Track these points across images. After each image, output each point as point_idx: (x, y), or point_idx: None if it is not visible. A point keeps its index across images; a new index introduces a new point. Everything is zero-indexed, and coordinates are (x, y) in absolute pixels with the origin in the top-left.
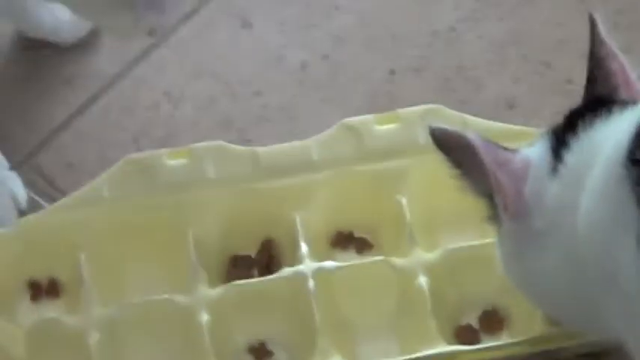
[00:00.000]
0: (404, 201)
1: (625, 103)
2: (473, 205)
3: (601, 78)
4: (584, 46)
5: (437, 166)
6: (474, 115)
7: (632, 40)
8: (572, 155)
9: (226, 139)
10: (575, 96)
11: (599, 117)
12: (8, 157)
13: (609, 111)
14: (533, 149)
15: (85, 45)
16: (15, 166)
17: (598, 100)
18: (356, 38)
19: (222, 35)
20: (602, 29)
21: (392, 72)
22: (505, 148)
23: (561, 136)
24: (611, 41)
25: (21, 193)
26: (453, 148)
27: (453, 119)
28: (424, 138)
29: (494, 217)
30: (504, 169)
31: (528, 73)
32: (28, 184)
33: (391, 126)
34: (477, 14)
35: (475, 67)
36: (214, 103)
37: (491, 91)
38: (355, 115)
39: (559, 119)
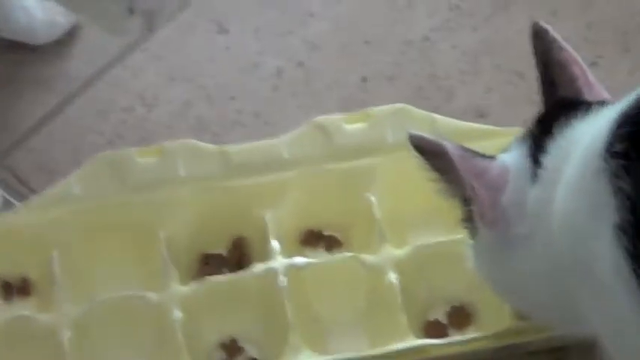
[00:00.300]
0: (373, 199)
1: (590, 104)
2: (440, 203)
3: (564, 82)
4: None
5: (405, 165)
6: None
7: (601, 53)
8: (550, 158)
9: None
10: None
11: (574, 117)
12: None
13: (584, 111)
14: (510, 155)
15: (60, 46)
16: None
17: (563, 103)
18: (330, 45)
19: (199, 40)
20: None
21: (364, 79)
22: (482, 156)
23: (537, 141)
24: (568, 46)
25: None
26: (431, 155)
27: (421, 118)
28: (393, 137)
29: (468, 220)
30: (481, 178)
31: (501, 83)
32: (2, 184)
33: (360, 125)
34: (451, 24)
35: (448, 77)
36: (189, 107)
37: (463, 100)
38: None
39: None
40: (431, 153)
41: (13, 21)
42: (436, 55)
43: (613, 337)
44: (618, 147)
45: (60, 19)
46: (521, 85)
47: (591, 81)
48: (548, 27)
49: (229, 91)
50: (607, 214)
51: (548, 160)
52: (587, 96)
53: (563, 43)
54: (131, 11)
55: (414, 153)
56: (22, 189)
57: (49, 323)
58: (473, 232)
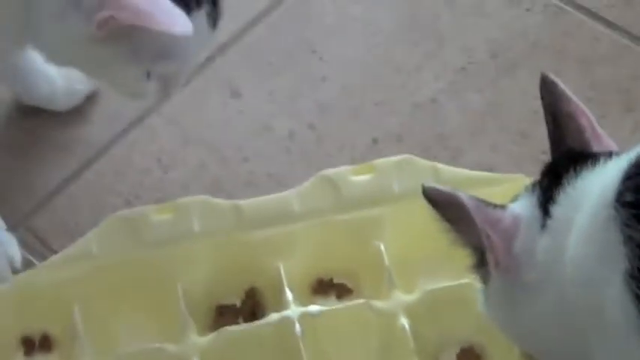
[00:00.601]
0: (382, 247)
1: (598, 155)
2: (447, 249)
3: (572, 133)
4: None
5: (412, 213)
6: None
7: (604, 112)
8: (559, 207)
9: None
10: None
11: (584, 168)
12: (5, 219)
13: (593, 161)
14: (520, 204)
15: (79, 112)
16: (11, 227)
17: (571, 154)
18: (341, 107)
19: (213, 104)
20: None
21: (375, 140)
22: (495, 206)
23: (547, 191)
24: (576, 98)
25: (16, 254)
26: (445, 206)
27: (425, 168)
28: (399, 186)
29: (479, 267)
30: (495, 227)
31: (506, 142)
32: (24, 245)
33: (366, 176)
34: (457, 85)
35: (454, 136)
36: (204, 169)
37: (469, 160)
38: None
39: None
40: (445, 204)
41: (36, 89)
42: (443, 115)
43: None
44: (629, 197)
45: (79, 86)
46: (525, 145)
47: (599, 132)
48: (557, 79)
49: (242, 152)
50: (617, 261)
51: (557, 209)
52: (595, 147)
53: (572, 95)
54: (148, 76)
55: (426, 204)
56: (44, 250)
57: None
58: (484, 278)
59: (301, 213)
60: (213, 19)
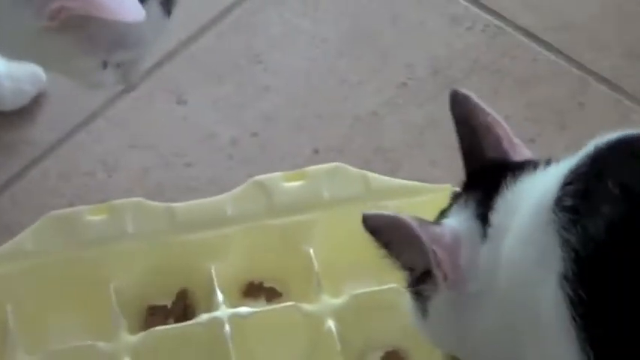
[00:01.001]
0: (311, 251)
1: (526, 163)
2: (374, 254)
3: (490, 144)
4: None
5: (341, 219)
6: None
7: (539, 131)
8: (497, 215)
9: None
10: None
11: (520, 175)
12: None
13: (530, 168)
14: (455, 219)
15: (26, 112)
16: None
17: (493, 164)
18: (284, 118)
19: (159, 109)
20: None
21: (316, 151)
22: (434, 223)
23: (483, 201)
24: (491, 110)
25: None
26: (385, 230)
27: (355, 176)
28: (329, 193)
29: (414, 286)
30: (439, 243)
31: (444, 157)
32: None
33: (298, 183)
34: (398, 100)
35: (394, 150)
36: (147, 173)
37: (408, 173)
38: None
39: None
40: (386, 228)
41: None
42: (383, 129)
43: None
44: (567, 201)
45: (27, 87)
46: None
47: (515, 141)
48: (470, 93)
49: (186, 158)
50: (553, 263)
51: (495, 217)
52: (513, 156)
53: (486, 107)
54: (105, 65)
55: (355, 211)
56: None
57: None
58: (421, 296)
59: (234, 217)
60: (168, 7)
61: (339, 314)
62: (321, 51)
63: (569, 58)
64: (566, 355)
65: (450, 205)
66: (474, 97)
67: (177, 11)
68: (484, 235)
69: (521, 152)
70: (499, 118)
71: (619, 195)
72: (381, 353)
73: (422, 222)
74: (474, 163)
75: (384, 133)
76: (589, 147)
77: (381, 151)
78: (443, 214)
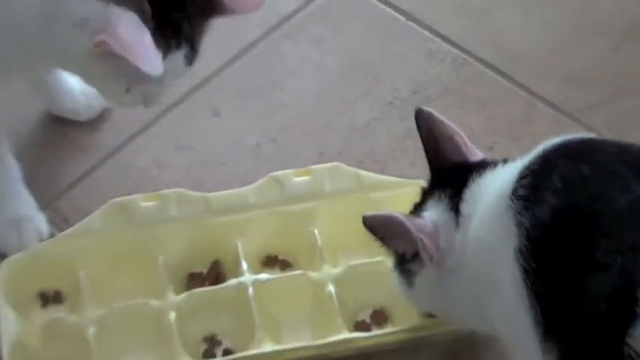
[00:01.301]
0: (315, 232)
1: (480, 163)
2: (365, 234)
3: (452, 149)
4: None
5: (339, 207)
6: None
7: (496, 140)
8: (465, 205)
9: None
10: None
11: (483, 171)
12: (36, 201)
13: (491, 166)
14: (433, 212)
15: (95, 121)
16: (41, 208)
17: (457, 165)
18: (296, 127)
19: (200, 120)
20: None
21: (321, 154)
22: (417, 217)
23: (454, 196)
24: (450, 122)
25: (44, 229)
26: (381, 227)
27: (349, 173)
28: (329, 186)
29: (401, 266)
30: (424, 232)
31: (421, 160)
32: (50, 222)
33: (305, 178)
34: (386, 115)
35: (382, 153)
36: (190, 170)
37: (393, 172)
38: None
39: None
40: (381, 223)
41: (62, 103)
42: (374, 137)
43: (510, 331)
44: (522, 192)
45: (96, 102)
46: None
47: (470, 146)
48: (432, 110)
49: (220, 159)
50: (510, 240)
51: (464, 207)
52: (470, 157)
53: (446, 120)
54: (128, 90)
55: (351, 201)
56: (66, 226)
57: (76, 323)
58: (407, 273)
59: (255, 204)
60: (190, 58)
61: (337, 281)
62: (326, 76)
63: (519, 84)
64: (521, 310)
65: (425, 200)
66: (435, 113)
67: (214, 44)
68: (457, 223)
69: (475, 154)
70: (457, 128)
71: (561, 187)
72: (370, 311)
73: (409, 217)
74: (439, 165)
75: (374, 141)
76: (539, 148)
77: (372, 155)
78: (418, 207)
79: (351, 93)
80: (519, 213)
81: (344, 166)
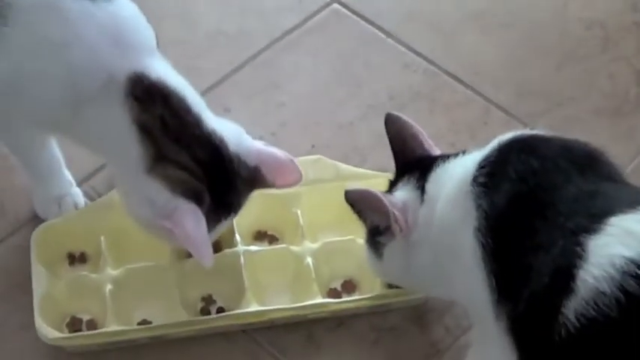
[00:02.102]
0: (298, 212)
1: (442, 155)
2: (339, 217)
3: (417, 146)
4: (432, 140)
5: (319, 192)
6: None
7: (457, 139)
8: (430, 186)
9: None
10: None
11: (445, 161)
12: (73, 177)
13: (451, 156)
14: (402, 192)
15: None
16: (78, 183)
17: (422, 157)
18: (293, 123)
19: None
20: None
21: (313, 146)
22: (390, 195)
23: (420, 178)
24: (415, 123)
25: (81, 202)
26: (360, 201)
27: (330, 165)
28: (313, 174)
29: (372, 239)
30: (396, 208)
31: None
32: (87, 196)
33: None
34: (368, 115)
35: (364, 148)
36: None
37: (373, 163)
38: None
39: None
40: (361, 198)
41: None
42: (357, 134)
43: (469, 298)
44: (481, 179)
45: None
46: None
47: (431, 143)
48: (400, 114)
49: None
50: (470, 220)
51: (429, 187)
52: (432, 152)
53: (411, 121)
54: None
55: (330, 187)
56: None
57: (97, 280)
58: (376, 246)
59: None
60: (232, 219)
61: (314, 254)
62: (318, 82)
63: (478, 92)
64: (479, 280)
65: (395, 184)
66: (402, 115)
67: (227, 53)
68: (422, 200)
69: (435, 150)
70: (420, 128)
71: (514, 177)
72: (341, 281)
73: (384, 194)
74: (405, 159)
75: (357, 137)
76: (495, 141)
77: (356, 148)
78: (389, 189)
79: (338, 96)
80: (478, 197)
81: (325, 159)
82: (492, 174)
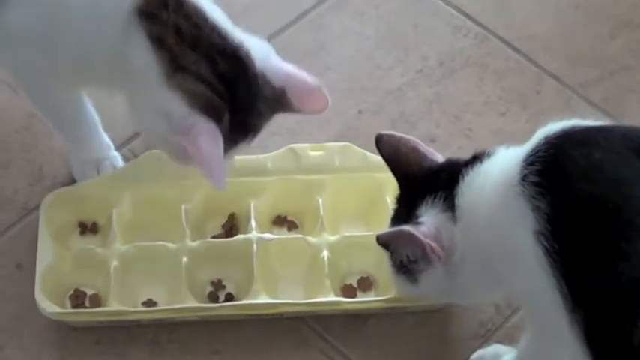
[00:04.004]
0: (320, 201)
1: (456, 161)
2: (362, 210)
3: (420, 158)
4: (482, 109)
5: (345, 182)
6: None
7: (507, 108)
8: (462, 199)
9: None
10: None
11: (474, 167)
12: (112, 142)
13: (479, 160)
14: (431, 216)
15: None
16: (117, 148)
17: (434, 168)
18: (339, 88)
19: None
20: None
21: (360, 112)
22: (420, 224)
23: (445, 197)
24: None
25: (120, 166)
26: (392, 241)
27: (357, 153)
28: (339, 162)
29: (409, 268)
30: (429, 237)
31: (445, 121)
32: (126, 161)
33: (319, 152)
34: (415, 81)
35: (412, 115)
36: None
37: (421, 131)
38: (334, 139)
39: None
40: (394, 238)
41: None
42: (405, 100)
43: (533, 301)
44: (532, 178)
45: None
46: (457, 124)
47: (432, 151)
48: (391, 132)
49: None
50: (527, 223)
51: (461, 201)
52: (436, 160)
53: (405, 136)
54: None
55: (357, 178)
56: None
57: (104, 255)
58: (416, 273)
59: (272, 170)
60: (251, 141)
61: (332, 247)
62: (365, 45)
63: (530, 59)
64: (545, 285)
65: (416, 203)
66: (396, 133)
67: (272, 13)
68: (454, 218)
69: (437, 157)
70: (415, 139)
71: (577, 174)
72: (357, 277)
73: (414, 227)
74: (412, 175)
75: (405, 103)
76: (539, 136)
77: (403, 115)
78: (409, 214)
79: (386, 60)
80: (533, 198)
81: (353, 146)
82: (547, 172)
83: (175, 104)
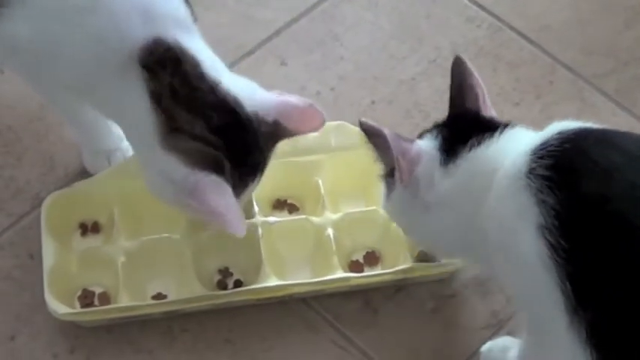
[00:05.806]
0: (320, 181)
1: (492, 125)
2: (362, 186)
3: (471, 98)
4: (496, 99)
5: (342, 161)
6: None
7: (521, 98)
8: (464, 161)
9: None
10: None
11: (484, 139)
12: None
13: (492, 133)
14: (425, 143)
15: None
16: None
17: (466, 114)
18: (352, 78)
19: (268, 69)
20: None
21: (373, 102)
22: (405, 139)
23: (448, 142)
24: (477, 75)
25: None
26: (373, 135)
27: (353, 131)
28: (335, 142)
29: (386, 178)
30: (404, 155)
31: None
32: None
33: (314, 133)
34: (429, 71)
35: (425, 104)
36: None
37: (434, 119)
38: None
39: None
40: (373, 133)
41: None
42: (419, 90)
43: (527, 295)
44: (541, 171)
45: None
46: None
47: (487, 102)
48: (466, 60)
49: None
50: (530, 217)
51: (460, 161)
52: (483, 111)
53: (475, 72)
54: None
55: (353, 156)
56: None
57: (109, 252)
58: (389, 187)
59: None
60: (259, 180)
61: (336, 225)
62: (379, 35)
63: (544, 50)
64: (545, 281)
65: (430, 130)
66: (468, 62)
67: (283, 2)
68: (444, 164)
69: (489, 111)
70: (481, 82)
71: (596, 174)
72: (363, 252)
73: (397, 136)
74: (455, 109)
75: (419, 93)
76: (551, 130)
77: (417, 105)
78: (424, 132)
79: (399, 51)
80: (540, 191)
81: (348, 124)
82: (559, 167)
83: (174, 166)
